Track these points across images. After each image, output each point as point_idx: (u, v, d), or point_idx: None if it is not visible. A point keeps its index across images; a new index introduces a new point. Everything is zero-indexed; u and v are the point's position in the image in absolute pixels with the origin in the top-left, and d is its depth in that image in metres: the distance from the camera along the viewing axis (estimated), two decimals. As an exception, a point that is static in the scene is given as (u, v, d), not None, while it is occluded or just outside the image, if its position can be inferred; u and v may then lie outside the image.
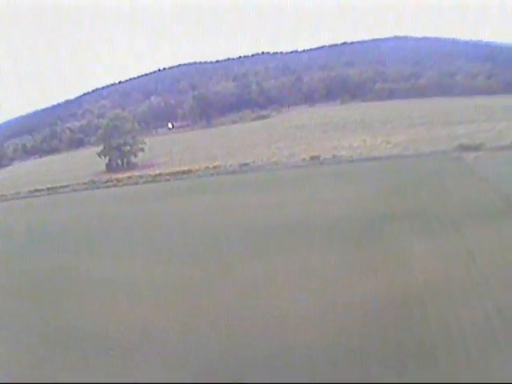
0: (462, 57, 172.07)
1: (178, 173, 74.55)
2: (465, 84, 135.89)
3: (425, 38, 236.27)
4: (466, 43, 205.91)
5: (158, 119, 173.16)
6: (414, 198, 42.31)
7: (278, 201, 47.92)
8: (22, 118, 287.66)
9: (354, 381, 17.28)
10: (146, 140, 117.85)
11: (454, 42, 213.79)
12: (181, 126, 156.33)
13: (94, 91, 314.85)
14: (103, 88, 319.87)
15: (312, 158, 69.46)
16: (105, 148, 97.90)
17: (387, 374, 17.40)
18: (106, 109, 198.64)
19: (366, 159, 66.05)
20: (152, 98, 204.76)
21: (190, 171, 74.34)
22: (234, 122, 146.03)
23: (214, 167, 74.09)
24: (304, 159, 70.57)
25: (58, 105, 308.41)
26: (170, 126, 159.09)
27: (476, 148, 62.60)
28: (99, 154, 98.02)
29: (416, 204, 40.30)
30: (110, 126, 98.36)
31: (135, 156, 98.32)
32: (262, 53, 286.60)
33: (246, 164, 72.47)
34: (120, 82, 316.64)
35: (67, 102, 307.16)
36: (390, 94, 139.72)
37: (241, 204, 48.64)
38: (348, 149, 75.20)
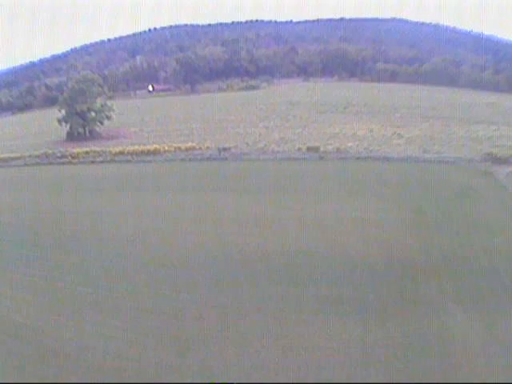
0: (463, 47, 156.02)
1: (142, 152, 57.73)
2: (471, 76, 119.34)
3: (424, 24, 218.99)
4: (467, 34, 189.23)
5: (139, 80, 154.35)
6: (445, 238, 30.43)
7: (251, 226, 33.74)
8: (7, 70, 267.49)
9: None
10: (122, 103, 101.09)
11: (454, 31, 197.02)
12: (162, 90, 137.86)
13: (81, 47, 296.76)
14: (91, 44, 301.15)
15: (309, 149, 53.04)
16: (67, 114, 79.95)
17: None
18: (90, 66, 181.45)
19: (378, 158, 50.11)
20: (137, 58, 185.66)
21: (156, 151, 57.55)
22: (220, 90, 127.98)
23: (187, 149, 57.27)
24: (299, 149, 54.08)
25: (45, 59, 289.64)
26: (150, 88, 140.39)
27: (506, 160, 48.55)
28: (60, 121, 79.98)
29: (450, 250, 28.64)
30: (75, 89, 79.99)
31: (101, 123, 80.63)
32: (256, 20, 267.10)
33: (226, 149, 55.70)
34: (109, 40, 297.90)
35: (54, 57, 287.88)
36: (392, 77, 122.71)
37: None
38: (352, 139, 58.96)
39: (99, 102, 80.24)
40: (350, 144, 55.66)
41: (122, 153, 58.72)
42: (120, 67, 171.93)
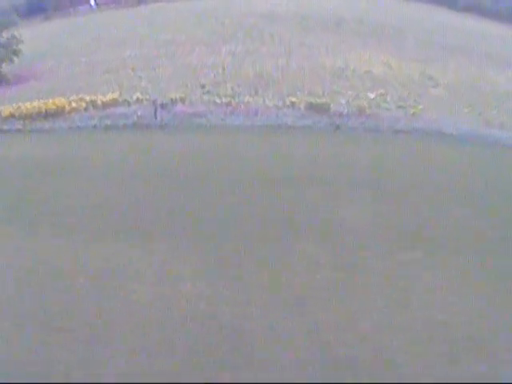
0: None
1: (39, 114, 31.69)
2: (470, 1, 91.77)
3: None
4: None
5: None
6: None
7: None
8: None
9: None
10: (55, 23, 78.87)
11: None
12: (106, 3, 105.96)
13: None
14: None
15: (313, 106, 28.08)
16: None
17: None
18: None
19: (429, 132, 26.65)
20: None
21: (59, 111, 31.69)
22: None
23: (105, 105, 31.51)
24: (294, 104, 29.03)
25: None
26: (91, 2, 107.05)
27: None
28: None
29: None
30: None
31: (11, 61, 53.40)
32: None
33: (165, 105, 29.93)
34: None
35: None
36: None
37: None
38: (370, 82, 34.35)
39: (5, 35, 53.22)
40: (371, 95, 30.99)
41: (13, 116, 32.63)
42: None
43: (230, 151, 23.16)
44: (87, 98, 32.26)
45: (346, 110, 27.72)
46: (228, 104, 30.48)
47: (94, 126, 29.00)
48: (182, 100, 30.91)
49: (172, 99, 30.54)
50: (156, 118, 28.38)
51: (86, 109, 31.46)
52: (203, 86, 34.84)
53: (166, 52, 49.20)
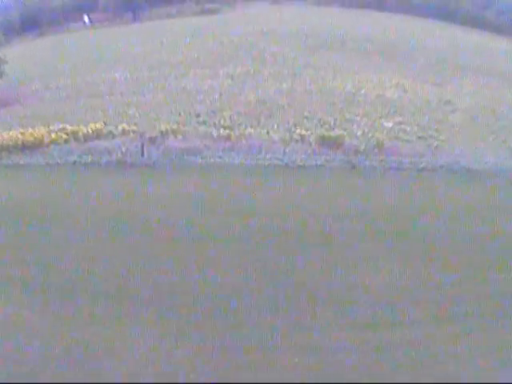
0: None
1: (15, 147, 27.84)
2: (472, 13, 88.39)
3: None
4: None
5: (80, 12, 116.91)
6: None
7: None
8: None
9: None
10: (47, 40, 78.24)
11: None
12: (99, 20, 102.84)
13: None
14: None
15: (325, 140, 24.31)
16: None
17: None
18: (33, 1, 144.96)
19: (455, 170, 23.39)
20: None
21: (37, 143, 27.99)
22: (168, 17, 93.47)
23: (86, 137, 27.75)
24: (303, 137, 25.25)
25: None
26: (85, 19, 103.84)
27: None
28: None
29: None
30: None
31: None
32: None
33: (155, 138, 26.11)
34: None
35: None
36: (380, 5, 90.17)
37: None
38: (384, 109, 30.72)
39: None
40: (389, 124, 27.35)
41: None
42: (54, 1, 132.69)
43: (229, 200, 19.26)
44: (68, 129, 28.52)
45: (362, 145, 23.86)
46: (227, 138, 26.60)
47: (74, 163, 25.13)
48: (174, 132, 27.07)
49: (162, 132, 26.72)
50: (143, 156, 24.47)
51: (66, 140, 27.71)
52: (198, 115, 31.22)
53: (159, 74, 45.47)
